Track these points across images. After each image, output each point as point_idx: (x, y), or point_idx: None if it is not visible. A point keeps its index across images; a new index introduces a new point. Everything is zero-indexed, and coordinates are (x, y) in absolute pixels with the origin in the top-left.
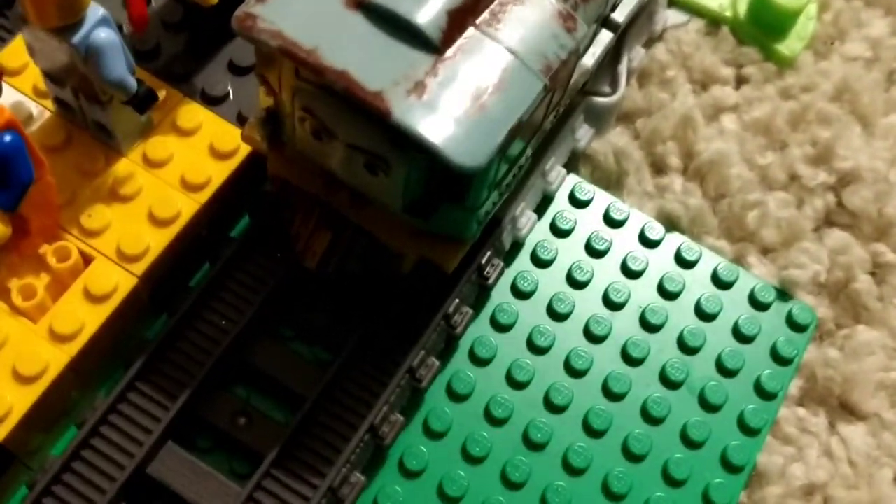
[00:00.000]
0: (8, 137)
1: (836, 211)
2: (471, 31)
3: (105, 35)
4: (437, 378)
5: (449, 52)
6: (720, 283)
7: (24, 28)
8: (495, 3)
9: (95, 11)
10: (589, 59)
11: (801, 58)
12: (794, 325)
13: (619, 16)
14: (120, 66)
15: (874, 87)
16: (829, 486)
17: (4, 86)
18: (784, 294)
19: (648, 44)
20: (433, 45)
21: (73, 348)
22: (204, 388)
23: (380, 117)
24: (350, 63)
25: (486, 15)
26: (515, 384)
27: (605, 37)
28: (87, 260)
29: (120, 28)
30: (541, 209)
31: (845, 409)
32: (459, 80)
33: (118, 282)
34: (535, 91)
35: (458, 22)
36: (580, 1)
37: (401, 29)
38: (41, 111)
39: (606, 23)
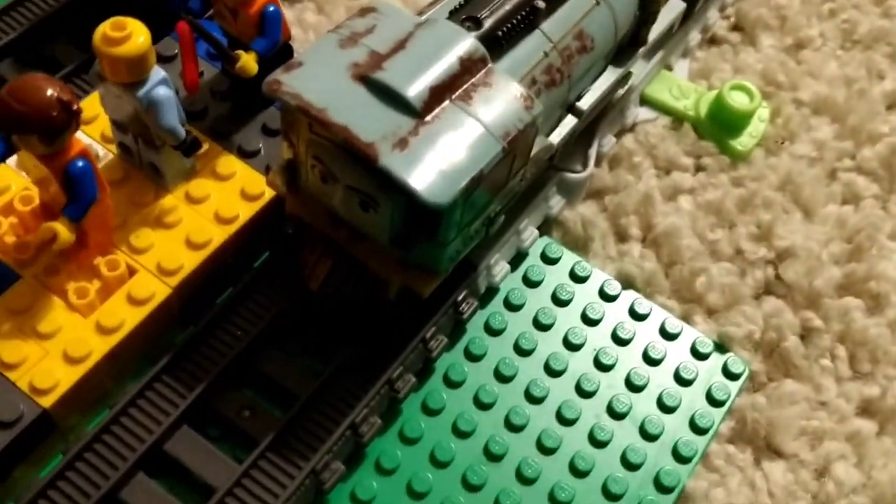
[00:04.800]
0: (81, 163)
1: (774, 282)
2: (447, 103)
3: (163, 92)
4: (414, 394)
5: (428, 118)
6: (666, 334)
7: (100, 83)
8: (469, 83)
9: (158, 73)
10: (555, 138)
11: (753, 154)
12: (728, 373)
13: (584, 105)
14: (173, 117)
15: (815, 181)
16: None
17: (80, 133)
18: (722, 347)
19: (620, 134)
20: (416, 112)
21: (114, 339)
22: (218, 384)
23: (369, 163)
24: (350, 121)
25: (460, 92)
26: (481, 405)
27: (570, 121)
28: (131, 271)
29: (176, 91)
30: (515, 263)
31: (769, 449)
32: (434, 140)
33: (155, 290)
34: (494, 151)
35: (437, 96)
36: (543, 88)
37: (392, 98)
38: (106, 153)
39: (572, 109)
